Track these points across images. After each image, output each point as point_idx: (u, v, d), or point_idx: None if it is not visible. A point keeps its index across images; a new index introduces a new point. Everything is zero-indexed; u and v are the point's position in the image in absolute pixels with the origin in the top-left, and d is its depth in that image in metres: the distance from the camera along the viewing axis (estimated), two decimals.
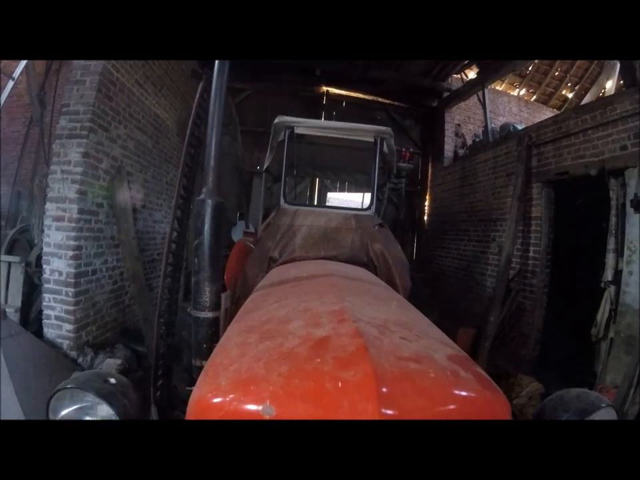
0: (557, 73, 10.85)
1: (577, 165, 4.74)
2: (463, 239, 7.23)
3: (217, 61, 1.90)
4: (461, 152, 8.63)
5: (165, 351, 2.79)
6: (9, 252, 4.74)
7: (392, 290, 2.46)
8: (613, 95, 6.62)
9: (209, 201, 1.83)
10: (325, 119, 8.98)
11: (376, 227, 3.48)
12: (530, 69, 10.57)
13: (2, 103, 4.60)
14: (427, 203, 9.26)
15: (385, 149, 3.98)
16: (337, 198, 9.67)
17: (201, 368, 2.03)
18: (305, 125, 3.90)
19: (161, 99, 5.97)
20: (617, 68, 9.88)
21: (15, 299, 4.36)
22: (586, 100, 10.57)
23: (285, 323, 1.38)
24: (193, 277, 1.89)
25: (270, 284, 2.34)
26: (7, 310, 4.14)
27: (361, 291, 2.03)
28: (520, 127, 6.71)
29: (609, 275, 4.27)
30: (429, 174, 9.26)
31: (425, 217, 9.30)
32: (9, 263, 4.42)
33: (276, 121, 3.79)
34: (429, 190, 9.24)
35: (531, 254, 5.43)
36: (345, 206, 4.78)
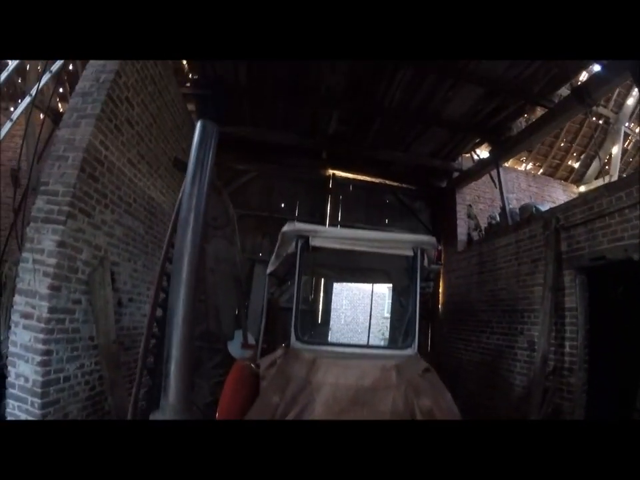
0: (562, 144, 10.81)
1: (615, 249, 4.19)
2: (485, 331, 6.50)
3: (198, 123, 1.43)
4: (474, 234, 8.16)
5: None
6: None
7: None
8: None
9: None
10: (331, 203, 8.69)
11: (423, 371, 2.74)
12: None
13: None
14: (440, 290, 8.60)
15: (425, 261, 3.31)
16: (344, 289, 8.96)
17: None
18: (323, 236, 3.21)
19: (157, 180, 5.63)
20: (621, 133, 9.86)
21: None
22: (593, 168, 10.59)
23: None
24: None
25: None
26: None
27: None
28: (543, 208, 6.27)
29: None
30: (442, 259, 8.71)
31: (440, 306, 8.59)
32: None
33: (285, 228, 3.18)
34: (442, 276, 8.63)
35: (567, 349, 4.71)
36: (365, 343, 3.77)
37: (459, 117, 6.40)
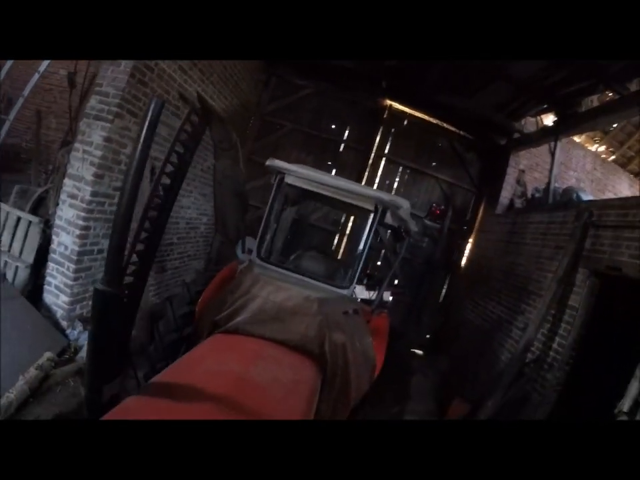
0: None
1: (632, 265, 3.98)
2: (493, 299, 6.60)
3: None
4: (517, 202, 7.86)
5: None
6: (35, 208, 4.85)
7: None
8: None
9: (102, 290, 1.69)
10: (382, 134, 8.52)
11: (349, 312, 3.09)
12: (614, 126, 9.53)
13: None
14: (469, 246, 8.58)
15: (389, 219, 3.66)
16: None
17: None
18: (296, 175, 3.67)
19: (209, 86, 5.78)
20: None
21: (28, 256, 4.46)
22: None
23: None
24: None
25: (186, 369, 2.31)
26: (19, 265, 4.38)
27: None
28: (585, 197, 5.92)
29: (625, 404, 3.56)
30: (479, 216, 8.56)
31: (464, 261, 8.64)
32: (29, 222, 4.51)
33: (268, 163, 3.68)
34: (474, 233, 8.55)
35: (555, 345, 4.73)
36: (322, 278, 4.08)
37: (525, 77, 5.87)
